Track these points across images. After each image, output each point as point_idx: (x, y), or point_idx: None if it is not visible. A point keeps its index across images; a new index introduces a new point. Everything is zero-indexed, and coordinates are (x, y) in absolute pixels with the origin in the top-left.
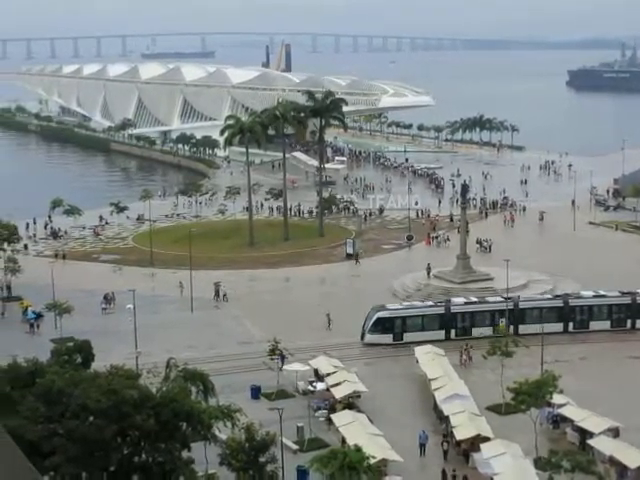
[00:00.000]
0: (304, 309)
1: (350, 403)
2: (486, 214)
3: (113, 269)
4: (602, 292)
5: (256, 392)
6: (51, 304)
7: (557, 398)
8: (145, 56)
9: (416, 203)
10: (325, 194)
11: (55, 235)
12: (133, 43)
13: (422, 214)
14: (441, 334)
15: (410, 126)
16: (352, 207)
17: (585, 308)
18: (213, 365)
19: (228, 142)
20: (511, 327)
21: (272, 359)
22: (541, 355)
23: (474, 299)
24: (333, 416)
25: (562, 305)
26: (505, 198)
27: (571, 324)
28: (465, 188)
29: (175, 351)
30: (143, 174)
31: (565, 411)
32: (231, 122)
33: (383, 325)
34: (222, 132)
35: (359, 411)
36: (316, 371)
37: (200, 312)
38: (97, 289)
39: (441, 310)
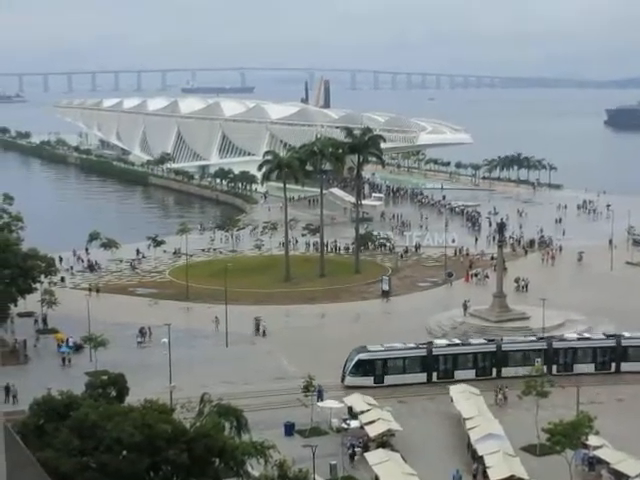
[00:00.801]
0: (338, 346)
1: (384, 441)
2: (525, 252)
3: (149, 303)
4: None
5: (290, 429)
6: (86, 337)
7: (593, 440)
8: (185, 90)
9: (453, 241)
10: (362, 230)
11: (92, 268)
12: (173, 77)
13: (460, 252)
14: (423, 377)
15: (448, 163)
16: (388, 244)
17: (570, 350)
18: (247, 401)
19: (266, 177)
20: (493, 370)
21: (307, 395)
22: (577, 396)
23: (457, 341)
24: (367, 454)
25: (546, 347)
26: (542, 237)
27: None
28: (502, 226)
29: (209, 386)
30: (181, 208)
31: (601, 453)
32: (269, 157)
33: (364, 367)
34: (260, 167)
35: (393, 449)
36: (350, 408)
37: (235, 347)
38: (133, 322)
39: (423, 352)
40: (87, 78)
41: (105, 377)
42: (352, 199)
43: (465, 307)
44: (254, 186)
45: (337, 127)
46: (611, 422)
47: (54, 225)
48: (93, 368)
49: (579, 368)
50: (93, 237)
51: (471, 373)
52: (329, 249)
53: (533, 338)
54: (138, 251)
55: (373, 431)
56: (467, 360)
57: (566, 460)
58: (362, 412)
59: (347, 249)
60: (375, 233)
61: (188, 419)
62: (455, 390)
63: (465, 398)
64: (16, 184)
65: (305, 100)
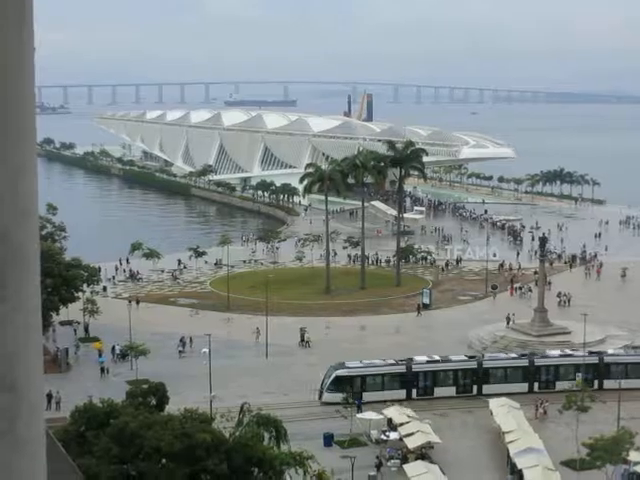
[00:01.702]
0: (378, 358)
1: (423, 454)
2: (570, 266)
3: (190, 313)
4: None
5: (329, 440)
6: (128, 346)
7: (634, 455)
8: (228, 103)
9: (494, 255)
10: (403, 244)
11: (134, 278)
12: (216, 90)
13: (502, 267)
14: (402, 394)
15: (490, 178)
16: (429, 257)
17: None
18: (286, 411)
19: (308, 190)
20: (474, 387)
21: (346, 407)
22: (618, 411)
23: (437, 358)
24: (406, 466)
25: (528, 365)
26: (584, 252)
27: (536, 384)
28: (544, 241)
29: (249, 396)
30: (222, 220)
31: None
32: (311, 170)
33: (342, 384)
34: (302, 180)
35: (432, 462)
36: (389, 420)
37: (275, 358)
38: (174, 332)
39: (402, 369)
40: (131, 90)
41: (146, 386)
42: (393, 212)
43: (508, 320)
44: (296, 198)
45: (379, 140)
46: None
47: (97, 235)
48: (134, 377)
49: (562, 385)
50: (135, 247)
51: (451, 390)
52: (370, 262)
53: (515, 355)
54: (180, 262)
55: (412, 443)
56: (447, 377)
57: (606, 476)
58: (401, 424)
59: (388, 262)
60: (416, 246)
61: (227, 429)
62: (495, 403)
63: (505, 412)
64: (60, 194)
65: (347, 113)
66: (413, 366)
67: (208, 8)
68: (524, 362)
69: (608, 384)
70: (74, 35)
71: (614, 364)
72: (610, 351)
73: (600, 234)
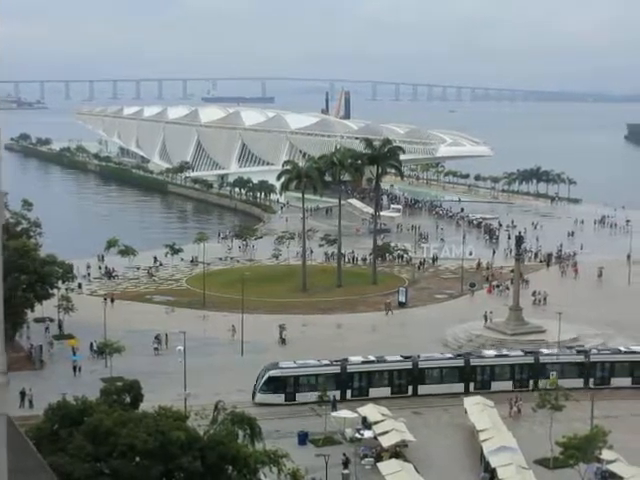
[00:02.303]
0: (354, 356)
1: (397, 452)
2: (548, 265)
3: (165, 310)
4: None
5: (303, 438)
6: (103, 343)
7: (607, 454)
8: (205, 100)
9: (470, 253)
10: (379, 242)
11: (109, 275)
12: (194, 87)
13: (479, 265)
14: (336, 394)
15: (467, 176)
16: (406, 255)
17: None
18: (261, 409)
19: (285, 187)
20: (409, 387)
21: (320, 405)
22: (591, 410)
23: (372, 358)
24: (380, 465)
25: (464, 365)
26: (559, 251)
27: (472, 384)
28: (520, 240)
29: (224, 394)
30: (199, 217)
31: (614, 467)
32: (288, 167)
33: (275, 384)
34: (279, 177)
35: (406, 460)
36: (364, 419)
37: (251, 356)
38: (149, 330)
39: (336, 369)
40: (108, 86)
41: (120, 383)
42: (370, 210)
43: (486, 318)
44: (273, 196)
45: (357, 138)
46: (625, 436)
47: (72, 232)
48: (108, 374)
49: (497, 386)
50: (111, 244)
51: (386, 391)
52: (346, 259)
53: (451, 355)
54: (155, 259)
55: (386, 441)
56: (382, 377)
57: (579, 474)
58: (376, 422)
59: (364, 260)
60: (393, 244)
61: (202, 427)
62: (469, 402)
63: (479, 410)
64: (36, 190)
65: (325, 111)
66: (348, 367)
67: (190, 2)
68: (460, 362)
69: (543, 383)
70: (52, 30)
71: (550, 364)
72: (545, 351)
73: (573, 233)
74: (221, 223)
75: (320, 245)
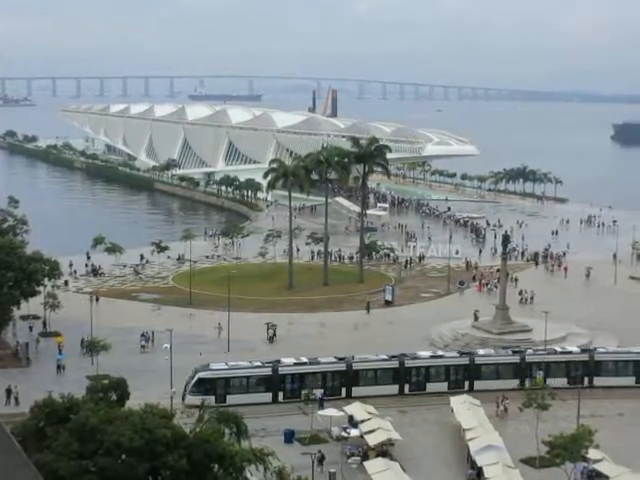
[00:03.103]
0: (340, 355)
1: (384, 451)
2: (536, 263)
3: (152, 308)
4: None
5: (289, 436)
6: (89, 341)
7: (593, 453)
8: (192, 97)
9: (457, 252)
10: (366, 240)
11: (95, 272)
12: (181, 84)
13: (469, 264)
14: (268, 397)
15: (454, 175)
16: (392, 254)
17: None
18: (247, 407)
19: (271, 185)
20: (343, 389)
21: (307, 403)
22: (578, 409)
23: (304, 360)
24: (366, 463)
25: (398, 366)
26: (546, 250)
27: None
28: (506, 239)
29: None
30: (185, 214)
31: (601, 467)
32: (275, 166)
33: (205, 386)
34: (266, 175)
35: (392, 459)
36: (350, 417)
37: (237, 354)
38: (135, 327)
39: (268, 371)
40: (95, 83)
41: (106, 381)
42: (357, 208)
43: (476, 317)
44: (259, 194)
45: (344, 136)
46: (611, 435)
47: (59, 229)
48: (95, 372)
49: (432, 387)
50: (97, 242)
51: (319, 393)
52: (333, 258)
53: (385, 357)
54: (142, 256)
55: (373, 440)
56: (315, 379)
57: (565, 473)
58: (362, 421)
59: (351, 258)
60: (379, 243)
61: (188, 424)
62: (456, 401)
63: (465, 409)
64: (22, 187)
65: (312, 109)
66: (280, 368)
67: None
68: (394, 364)
69: (479, 385)
70: (39, 27)
71: (485, 365)
72: (481, 352)
73: (557, 232)
74: (208, 221)
75: (307, 243)
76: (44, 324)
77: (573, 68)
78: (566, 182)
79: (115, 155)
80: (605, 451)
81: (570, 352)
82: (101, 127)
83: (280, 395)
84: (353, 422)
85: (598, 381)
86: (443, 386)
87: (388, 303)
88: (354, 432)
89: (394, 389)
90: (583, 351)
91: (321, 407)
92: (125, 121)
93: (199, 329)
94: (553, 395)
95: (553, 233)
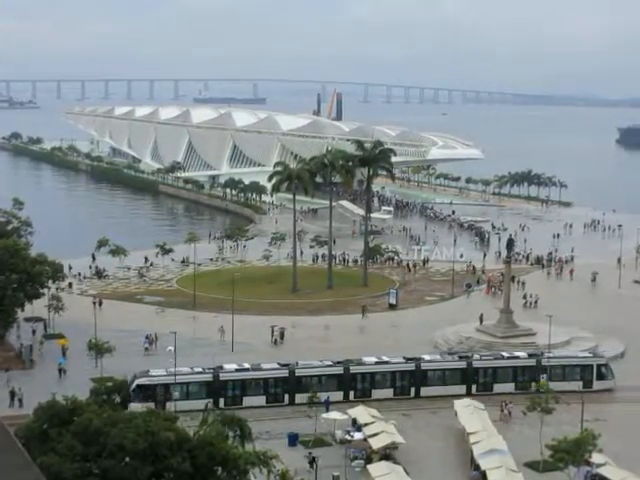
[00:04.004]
0: (343, 358)
1: (387, 454)
2: (543, 266)
3: (156, 310)
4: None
5: (293, 439)
6: (93, 343)
7: (596, 457)
8: (197, 100)
9: (461, 256)
10: (370, 243)
11: (100, 275)
12: (185, 87)
13: (475, 269)
14: (209, 403)
15: (458, 179)
16: (397, 257)
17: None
18: (251, 410)
19: (276, 188)
20: (286, 396)
21: (310, 407)
22: (581, 413)
23: (247, 366)
24: (370, 467)
25: (343, 372)
26: (550, 253)
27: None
28: (511, 243)
29: None
30: (190, 217)
31: (604, 471)
32: (279, 169)
33: (144, 392)
34: (270, 178)
35: (396, 462)
36: (354, 420)
37: (240, 356)
38: (139, 330)
39: (209, 377)
40: (100, 86)
41: (110, 383)
42: (361, 212)
43: (481, 320)
44: (264, 197)
45: (348, 140)
46: (614, 439)
47: (63, 231)
48: (99, 374)
49: (378, 394)
50: (102, 244)
51: (261, 400)
52: (337, 261)
53: (329, 362)
54: (146, 259)
55: (376, 443)
56: (258, 386)
57: (569, 477)
58: (366, 424)
59: (355, 261)
60: (383, 246)
61: (192, 427)
62: (459, 404)
63: (469, 413)
64: (26, 189)
65: (317, 112)
66: (221, 374)
67: (182, 2)
68: (339, 370)
69: (425, 391)
70: (44, 28)
71: (431, 371)
72: (427, 357)
73: (559, 235)
74: (212, 224)
75: (311, 246)
76: (45, 326)
77: (578, 72)
78: (571, 186)
79: (120, 157)
80: (609, 455)
81: (517, 357)
82: (106, 129)
83: (221, 401)
84: (357, 425)
85: None
86: (389, 392)
87: (392, 306)
88: (358, 435)
89: (338, 395)
90: (530, 356)
91: (327, 410)
92: (130, 124)
93: (203, 332)
94: (557, 399)
95: (554, 236)
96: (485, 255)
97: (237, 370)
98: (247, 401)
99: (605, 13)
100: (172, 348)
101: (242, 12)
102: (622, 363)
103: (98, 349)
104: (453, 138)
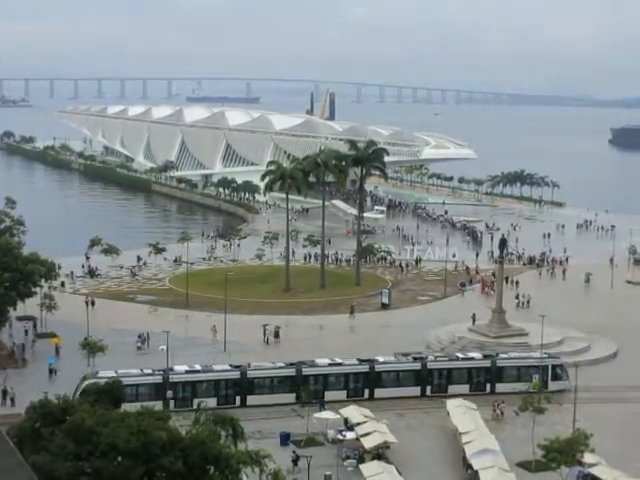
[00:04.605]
0: (336, 357)
1: (379, 453)
2: (538, 266)
3: (148, 310)
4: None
5: (285, 439)
6: (85, 342)
7: (588, 457)
8: (190, 99)
9: (454, 255)
10: (363, 243)
11: (92, 274)
12: (179, 86)
13: (469, 269)
14: (158, 405)
15: (451, 178)
16: (389, 257)
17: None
18: (243, 410)
19: (269, 188)
20: (237, 398)
21: (302, 406)
22: (574, 413)
23: (197, 367)
24: (362, 466)
25: (295, 374)
26: (543, 254)
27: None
28: (503, 243)
29: None
30: (183, 216)
31: (596, 471)
32: (272, 168)
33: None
34: (263, 177)
35: (388, 462)
36: (346, 420)
37: (233, 356)
38: (132, 329)
39: (158, 379)
40: (93, 85)
41: (102, 382)
42: (354, 211)
43: (474, 320)
44: (257, 196)
45: (341, 139)
46: (606, 439)
47: (56, 230)
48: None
49: (331, 395)
50: (94, 243)
51: (213, 401)
52: (330, 261)
53: (282, 364)
54: (139, 258)
55: (369, 443)
56: (208, 387)
57: (561, 477)
58: (358, 424)
59: (348, 261)
60: (376, 246)
61: (184, 426)
62: (452, 404)
63: (461, 412)
64: (19, 188)
65: (310, 112)
66: (171, 376)
67: (176, 2)
68: (291, 372)
69: (379, 393)
70: (37, 28)
71: (385, 372)
72: (381, 359)
73: (549, 234)
74: (205, 223)
75: (304, 246)
76: (34, 325)
77: (571, 73)
78: (563, 186)
79: (113, 156)
80: (601, 455)
81: (472, 358)
82: (99, 128)
83: (171, 403)
84: (349, 425)
85: (500, 387)
86: (342, 394)
87: (385, 306)
88: (350, 435)
89: (291, 398)
90: (485, 357)
91: (323, 409)
92: (123, 123)
93: (195, 331)
94: (549, 399)
95: (545, 236)
96: (478, 255)
97: (187, 372)
98: (197, 403)
99: (600, 15)
100: (164, 347)
101: (236, 12)
102: (615, 363)
103: (91, 348)
104: (446, 138)
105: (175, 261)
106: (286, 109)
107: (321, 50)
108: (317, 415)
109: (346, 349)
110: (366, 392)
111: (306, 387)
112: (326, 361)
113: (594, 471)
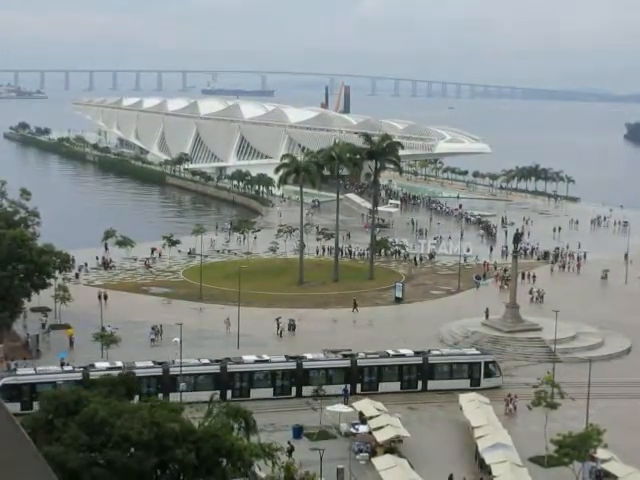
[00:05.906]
0: (347, 350)
1: (392, 447)
2: (552, 262)
3: (162, 302)
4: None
5: (298, 432)
6: (99, 334)
7: (601, 453)
8: (205, 92)
9: (468, 250)
10: (377, 237)
11: (106, 266)
12: (194, 79)
13: (486, 264)
14: None
15: (465, 173)
16: (403, 251)
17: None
18: (256, 403)
19: (283, 181)
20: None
21: (316, 399)
22: (587, 409)
23: (119, 364)
24: (374, 460)
25: (220, 371)
26: (557, 248)
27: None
28: (518, 237)
29: None
30: (197, 209)
31: (609, 466)
32: (287, 161)
33: (10, 392)
34: (277, 170)
35: (400, 456)
36: (359, 413)
37: (246, 349)
38: (145, 321)
39: (78, 376)
40: (108, 77)
41: (116, 374)
42: (368, 205)
43: (487, 315)
44: (271, 189)
45: (356, 133)
46: (620, 435)
47: (70, 222)
48: None
49: (257, 393)
50: (108, 235)
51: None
52: (343, 254)
53: (207, 361)
54: (153, 250)
55: (381, 437)
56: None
57: (573, 472)
58: (371, 417)
59: (362, 255)
60: (390, 240)
61: (197, 419)
62: (465, 399)
63: (474, 407)
64: (34, 180)
65: (325, 105)
66: (91, 373)
67: None
68: (215, 369)
69: (307, 390)
70: (53, 20)
71: (313, 370)
72: (309, 356)
73: (560, 228)
74: (219, 216)
75: (317, 239)
76: (44, 316)
77: (587, 68)
78: (578, 181)
79: (127, 149)
80: (614, 451)
81: (403, 355)
82: (114, 120)
83: None
84: (362, 418)
85: (432, 384)
86: (268, 392)
87: (398, 300)
88: (362, 428)
89: (216, 395)
90: (417, 354)
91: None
92: (138, 115)
93: (208, 324)
94: (562, 394)
95: (555, 230)
96: (492, 249)
97: (109, 368)
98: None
99: (617, 10)
100: (178, 339)
101: (252, 6)
102: (628, 359)
103: (104, 340)
104: (461, 132)
105: (189, 253)
106: (301, 102)
107: (336, 44)
108: (330, 408)
109: (359, 343)
110: (293, 390)
111: (231, 384)
112: (252, 358)
113: (607, 467)
